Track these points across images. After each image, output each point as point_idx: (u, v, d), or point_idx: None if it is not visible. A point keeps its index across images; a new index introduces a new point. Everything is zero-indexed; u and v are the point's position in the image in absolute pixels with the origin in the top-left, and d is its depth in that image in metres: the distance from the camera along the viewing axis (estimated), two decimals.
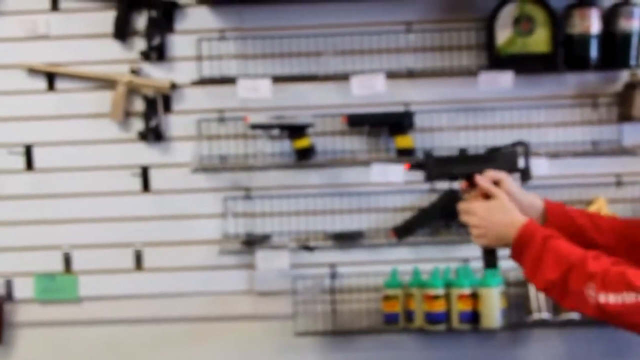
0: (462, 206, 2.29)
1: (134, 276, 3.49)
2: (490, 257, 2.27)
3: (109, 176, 3.47)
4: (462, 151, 2.34)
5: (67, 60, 3.44)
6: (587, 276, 2.00)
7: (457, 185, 2.37)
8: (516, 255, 2.15)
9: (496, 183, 2.28)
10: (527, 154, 2.35)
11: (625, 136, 3.35)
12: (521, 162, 2.35)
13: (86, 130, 3.46)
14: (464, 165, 2.34)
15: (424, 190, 3.39)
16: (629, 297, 1.95)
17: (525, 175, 2.36)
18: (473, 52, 3.36)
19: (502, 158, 2.34)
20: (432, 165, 2.36)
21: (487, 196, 2.25)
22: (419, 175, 3.26)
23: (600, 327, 3.26)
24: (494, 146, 2.41)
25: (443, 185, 3.33)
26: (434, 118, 3.38)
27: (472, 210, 2.23)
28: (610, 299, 1.97)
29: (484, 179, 2.27)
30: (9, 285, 3.51)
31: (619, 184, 3.36)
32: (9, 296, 3.51)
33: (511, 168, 2.34)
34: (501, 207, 2.20)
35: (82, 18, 3.44)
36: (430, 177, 2.38)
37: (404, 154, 3.32)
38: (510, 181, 2.29)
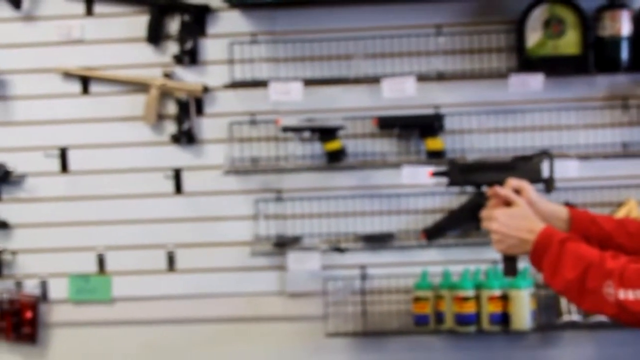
0: (483, 213, 2.29)
1: (167, 277, 3.53)
2: (510, 265, 2.27)
3: (142, 178, 3.51)
4: (486, 159, 2.35)
5: (101, 64, 3.49)
6: (605, 274, 1.99)
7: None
8: (535, 261, 2.15)
9: (518, 192, 2.28)
10: (551, 164, 2.35)
11: None
12: (545, 172, 2.35)
13: (120, 133, 3.50)
14: (488, 174, 2.35)
15: (453, 192, 3.40)
16: None
17: (549, 185, 2.36)
18: (503, 54, 3.37)
19: (526, 167, 2.35)
20: (455, 173, 2.37)
21: (508, 204, 2.26)
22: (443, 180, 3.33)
23: (631, 330, 3.24)
24: (519, 155, 2.41)
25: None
26: (464, 120, 3.39)
27: (492, 216, 2.23)
28: (630, 295, 1.96)
29: (504, 188, 2.28)
30: (44, 285, 3.56)
31: None
32: (44, 296, 3.56)
33: (535, 178, 2.34)
34: (521, 215, 2.20)
35: (116, 23, 3.49)
36: (452, 185, 2.39)
37: (434, 156, 3.34)
38: (532, 190, 2.30)
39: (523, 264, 3.27)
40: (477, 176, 2.35)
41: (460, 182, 2.39)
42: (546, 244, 2.11)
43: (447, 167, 2.38)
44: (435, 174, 2.40)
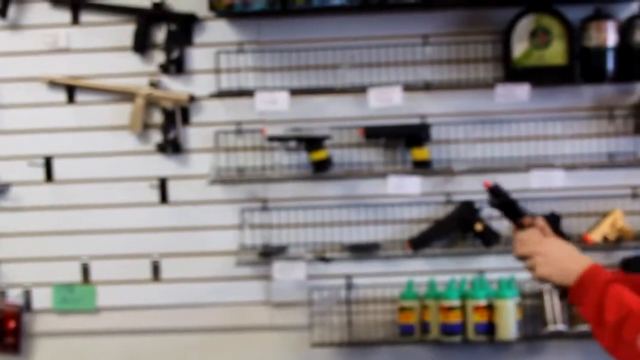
0: (524, 235, 2.24)
1: (152, 287, 3.51)
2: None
3: (128, 188, 3.49)
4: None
5: (87, 73, 3.48)
6: None
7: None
8: (576, 294, 2.10)
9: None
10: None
11: None
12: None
13: (105, 142, 3.49)
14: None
15: (439, 202, 3.40)
16: None
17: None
18: (489, 64, 3.37)
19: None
20: (503, 196, 2.37)
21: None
22: (434, 186, 3.33)
23: None
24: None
25: (459, 197, 3.37)
26: (450, 130, 3.39)
27: (541, 240, 2.20)
28: None
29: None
30: (27, 295, 3.54)
31: (634, 196, 3.34)
32: (27, 306, 3.54)
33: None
34: (569, 246, 2.19)
35: (102, 32, 3.48)
36: (494, 204, 2.37)
37: (420, 166, 3.33)
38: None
39: (510, 273, 3.32)
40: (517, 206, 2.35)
41: (500, 204, 2.37)
42: (592, 280, 2.06)
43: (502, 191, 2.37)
44: (491, 189, 2.37)
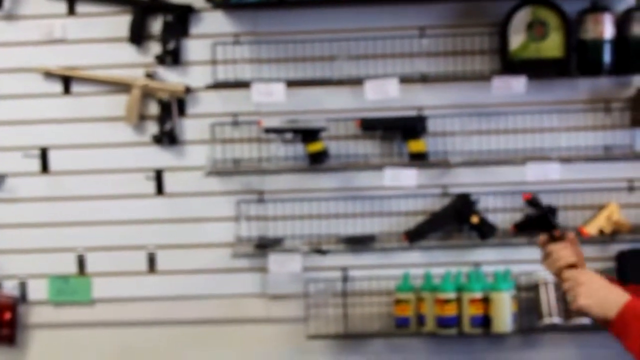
0: (559, 248, 2.33)
1: (147, 279, 3.51)
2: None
3: (124, 179, 3.49)
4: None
5: (83, 64, 3.47)
6: None
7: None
8: (619, 325, 2.13)
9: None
10: None
11: (638, 141, 3.35)
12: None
13: (101, 134, 3.49)
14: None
15: (436, 195, 3.40)
16: None
17: None
18: (486, 57, 3.37)
19: None
20: (540, 207, 2.41)
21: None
22: (430, 179, 3.32)
23: None
24: None
25: (455, 189, 3.37)
26: (446, 122, 3.39)
27: (580, 276, 2.24)
28: None
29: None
30: (23, 287, 3.53)
31: (631, 189, 3.35)
32: (23, 298, 3.53)
33: None
34: (599, 276, 2.24)
35: (98, 22, 3.47)
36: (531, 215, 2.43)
37: (417, 158, 3.33)
38: None
39: (505, 266, 3.33)
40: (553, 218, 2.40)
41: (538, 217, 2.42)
42: (634, 313, 2.10)
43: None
44: (531, 201, 2.40)
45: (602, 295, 2.17)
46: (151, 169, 3.49)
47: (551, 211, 2.45)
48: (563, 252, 2.32)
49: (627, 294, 2.15)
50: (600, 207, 3.33)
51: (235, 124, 3.44)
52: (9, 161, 3.50)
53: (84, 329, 3.53)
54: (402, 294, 3.34)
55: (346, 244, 3.39)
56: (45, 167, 3.51)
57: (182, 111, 3.46)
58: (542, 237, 2.38)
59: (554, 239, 2.35)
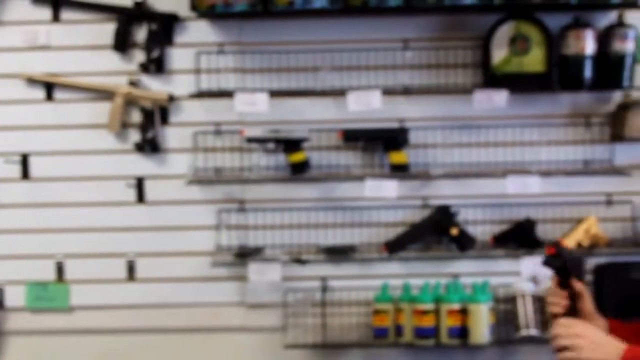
0: (568, 321, 2.28)
1: (126, 286, 3.49)
2: None
3: (105, 186, 3.48)
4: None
5: (67, 71, 3.47)
6: None
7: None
8: None
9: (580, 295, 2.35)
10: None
11: (617, 156, 3.37)
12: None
13: (83, 141, 3.48)
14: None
15: (416, 206, 3.41)
16: None
17: None
18: (469, 70, 3.39)
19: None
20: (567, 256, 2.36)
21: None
22: (411, 190, 3.33)
23: None
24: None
25: (435, 201, 3.38)
26: (428, 135, 3.40)
27: (578, 329, 2.22)
28: None
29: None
30: (0, 293, 3.51)
31: (609, 203, 3.37)
32: (0, 304, 3.51)
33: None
34: (596, 328, 2.26)
35: (83, 29, 3.47)
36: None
37: (398, 169, 3.34)
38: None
39: (484, 278, 3.33)
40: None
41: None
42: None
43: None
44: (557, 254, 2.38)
45: (602, 348, 2.17)
46: (132, 176, 3.48)
47: (575, 260, 2.39)
48: (565, 300, 2.33)
49: (622, 344, 2.17)
50: (579, 221, 3.34)
51: (218, 133, 3.44)
52: None
53: (62, 336, 3.51)
54: (381, 305, 3.34)
55: (326, 254, 3.39)
56: (26, 174, 3.50)
57: (164, 119, 3.47)
58: (556, 279, 2.36)
59: (564, 286, 2.34)
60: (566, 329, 2.21)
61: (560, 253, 2.32)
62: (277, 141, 3.36)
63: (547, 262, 2.33)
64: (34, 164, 3.50)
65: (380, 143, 3.39)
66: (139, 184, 3.48)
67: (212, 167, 3.45)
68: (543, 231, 3.36)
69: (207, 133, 3.44)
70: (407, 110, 3.41)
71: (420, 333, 3.28)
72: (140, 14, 3.44)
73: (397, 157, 3.35)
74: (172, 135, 3.47)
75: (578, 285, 2.32)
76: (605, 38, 3.28)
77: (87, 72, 3.47)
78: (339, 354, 3.45)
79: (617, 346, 2.15)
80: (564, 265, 2.32)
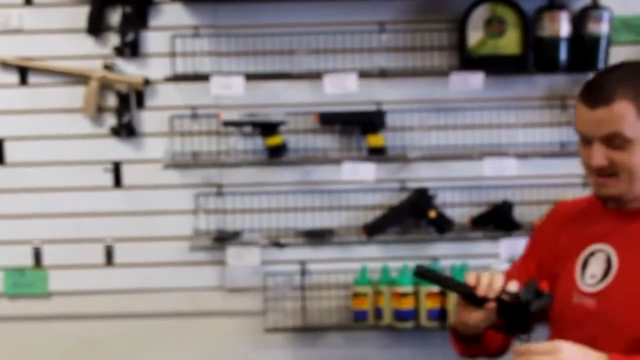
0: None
1: (105, 271, 3.49)
2: None
3: (81, 171, 3.46)
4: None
5: (40, 55, 3.43)
6: None
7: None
8: None
9: None
10: None
11: None
12: None
13: (58, 125, 3.45)
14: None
15: (394, 189, 3.42)
16: None
17: None
18: (445, 52, 3.39)
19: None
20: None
21: None
22: (389, 173, 3.34)
23: None
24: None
25: (413, 184, 3.40)
26: (405, 117, 3.41)
27: (557, 346, 1.99)
28: None
29: None
30: None
31: (585, 185, 3.38)
32: None
33: None
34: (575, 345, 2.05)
35: (56, 13, 3.43)
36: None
37: (375, 152, 3.35)
38: None
39: (462, 260, 3.36)
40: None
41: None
42: None
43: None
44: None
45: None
46: (109, 161, 3.46)
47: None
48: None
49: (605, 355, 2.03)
50: (555, 203, 3.36)
51: (194, 116, 3.43)
52: None
53: (40, 322, 3.50)
54: (360, 288, 3.36)
55: (304, 237, 3.40)
56: (1, 159, 3.47)
57: (140, 103, 3.45)
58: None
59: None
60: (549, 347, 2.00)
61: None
62: (254, 125, 3.35)
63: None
64: (9, 149, 3.47)
65: (358, 126, 3.39)
66: (116, 168, 3.47)
67: (189, 151, 3.44)
68: (520, 213, 3.39)
69: (183, 117, 3.43)
70: (383, 93, 3.41)
71: (400, 315, 3.31)
72: None
73: (375, 140, 3.35)
74: (148, 119, 3.45)
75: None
76: (580, 20, 3.29)
77: (61, 56, 3.43)
78: (319, 337, 3.47)
79: (600, 357, 2.00)
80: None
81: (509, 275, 2.22)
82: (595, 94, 2.07)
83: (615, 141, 2.06)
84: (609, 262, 2.16)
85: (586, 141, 2.13)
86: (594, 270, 2.17)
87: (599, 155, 2.09)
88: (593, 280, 2.16)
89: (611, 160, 2.08)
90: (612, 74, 2.10)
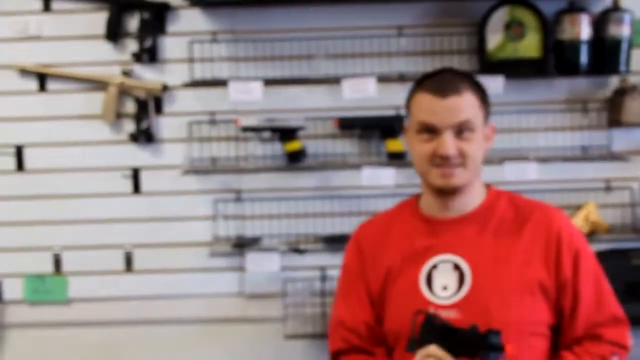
0: None
1: (124, 278, 3.49)
2: None
3: (100, 177, 3.46)
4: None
5: (59, 61, 3.44)
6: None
7: None
8: None
9: None
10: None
11: (615, 141, 3.37)
12: None
13: (77, 132, 3.46)
14: None
15: (412, 195, 3.40)
16: None
17: None
18: (464, 56, 3.37)
19: None
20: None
21: None
22: (408, 178, 3.31)
23: None
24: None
25: None
26: None
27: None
28: None
29: None
30: None
31: (608, 189, 3.37)
32: None
33: None
34: None
35: (74, 19, 3.43)
36: None
37: (395, 157, 3.33)
38: None
39: None
40: None
41: None
42: None
43: None
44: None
45: None
46: (128, 167, 3.46)
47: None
48: None
49: None
50: (578, 207, 3.34)
51: (213, 122, 3.42)
52: None
53: (60, 328, 3.51)
54: None
55: (324, 243, 3.39)
56: (20, 165, 3.48)
57: (159, 109, 3.44)
58: None
59: None
60: None
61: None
62: (273, 130, 3.34)
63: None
64: (29, 155, 3.48)
65: (377, 131, 3.38)
66: (135, 174, 3.47)
67: (207, 156, 3.43)
68: None
69: (201, 122, 3.42)
70: (402, 98, 3.33)
71: None
72: (132, 3, 3.40)
73: (394, 144, 3.34)
74: (166, 125, 3.45)
75: None
76: (600, 23, 3.26)
77: (79, 63, 3.44)
78: None
79: None
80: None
81: (353, 315, 2.30)
82: (445, 85, 2.19)
83: (464, 131, 2.16)
84: (459, 270, 2.17)
85: (430, 133, 2.18)
86: (443, 282, 2.18)
87: (452, 144, 2.15)
88: (448, 292, 2.16)
89: (460, 149, 2.16)
90: (448, 72, 2.28)
